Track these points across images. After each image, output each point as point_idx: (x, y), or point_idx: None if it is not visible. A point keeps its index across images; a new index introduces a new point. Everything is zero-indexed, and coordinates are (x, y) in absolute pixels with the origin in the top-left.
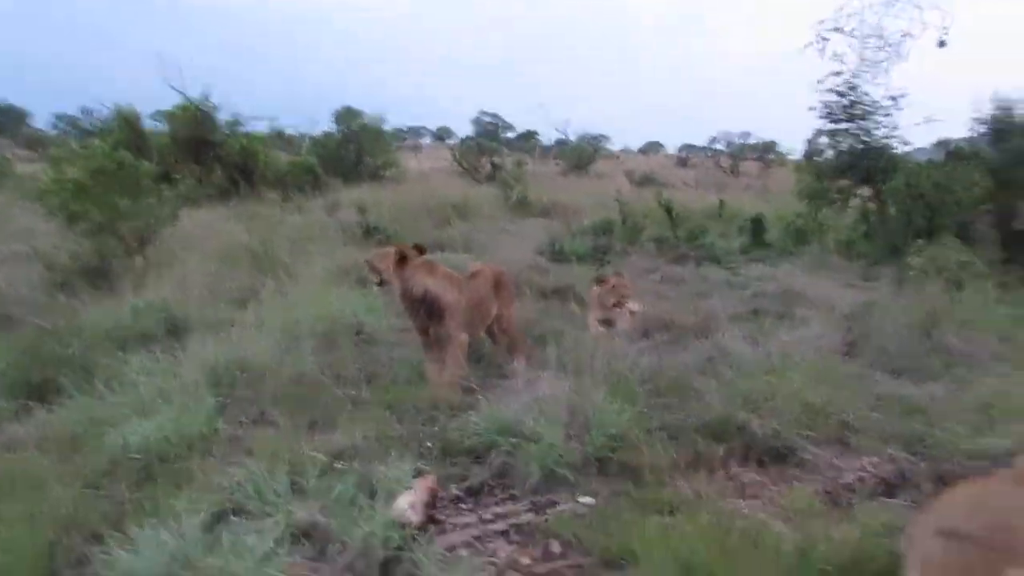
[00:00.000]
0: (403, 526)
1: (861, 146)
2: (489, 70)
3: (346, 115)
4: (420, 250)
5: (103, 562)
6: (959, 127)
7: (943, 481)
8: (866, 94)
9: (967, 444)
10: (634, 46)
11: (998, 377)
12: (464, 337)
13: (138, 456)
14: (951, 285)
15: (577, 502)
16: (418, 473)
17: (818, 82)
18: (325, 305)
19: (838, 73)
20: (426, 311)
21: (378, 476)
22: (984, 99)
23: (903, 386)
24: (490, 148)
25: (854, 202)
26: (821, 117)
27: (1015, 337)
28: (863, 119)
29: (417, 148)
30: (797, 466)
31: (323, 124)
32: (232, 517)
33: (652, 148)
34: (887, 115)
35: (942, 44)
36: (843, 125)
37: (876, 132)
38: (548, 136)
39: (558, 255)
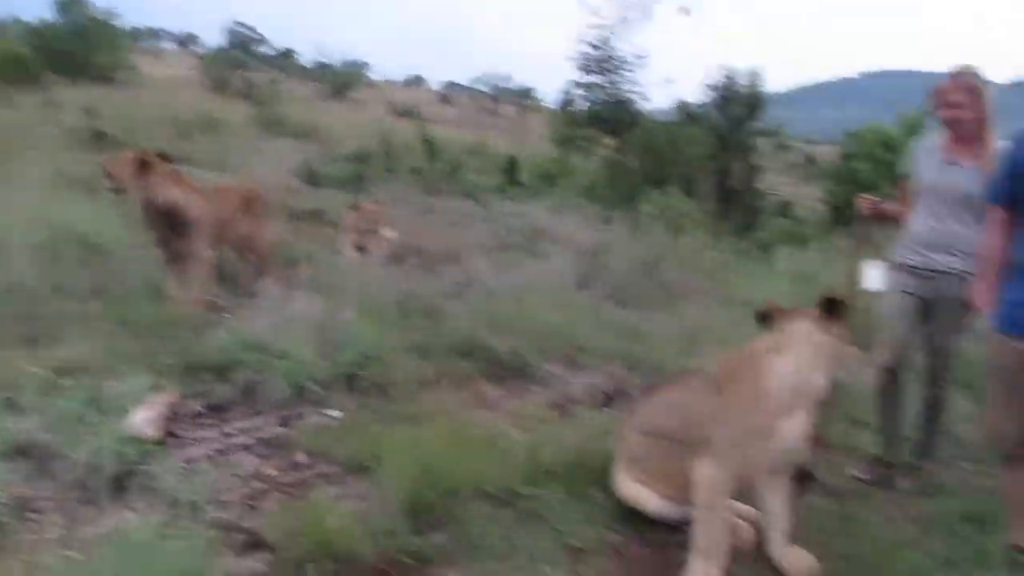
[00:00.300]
0: (139, 442)
1: (609, 99)
2: None
3: (71, 4)
4: (165, 159)
5: None
6: (695, 91)
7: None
8: (617, 50)
9: (674, 363)
10: None
11: (703, 309)
12: (210, 253)
13: None
14: (674, 230)
15: (324, 415)
16: (155, 388)
17: (578, 34)
18: (44, 212)
19: (596, 26)
20: (170, 224)
21: (110, 392)
22: (715, 69)
23: (627, 314)
24: (243, 62)
25: (600, 151)
26: (578, 68)
27: (720, 276)
28: (613, 73)
29: (157, 52)
30: (533, 381)
31: (40, 11)
32: None
33: (414, 82)
34: (632, 72)
35: (684, 11)
36: (595, 77)
37: (622, 87)
38: (306, 57)
39: (314, 179)
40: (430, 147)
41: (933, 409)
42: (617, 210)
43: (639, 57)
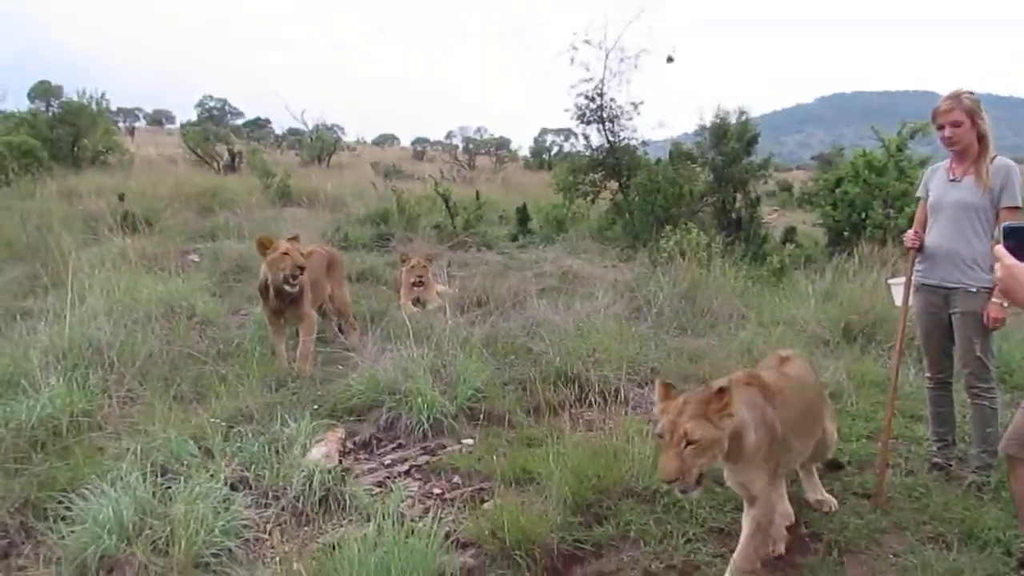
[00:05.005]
0: (325, 471)
1: (608, 145)
2: (209, 53)
3: (43, 90)
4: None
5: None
6: (687, 127)
7: None
8: (612, 100)
9: None
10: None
11: (745, 330)
12: (315, 315)
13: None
14: (698, 262)
15: (461, 444)
16: (325, 428)
17: (571, 87)
18: (144, 290)
19: (588, 80)
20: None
21: (283, 435)
22: (707, 108)
23: (684, 341)
24: (222, 135)
25: (604, 194)
26: (574, 118)
27: (750, 299)
28: (611, 121)
29: (131, 132)
30: (624, 404)
31: (14, 100)
32: (159, 478)
33: (386, 140)
34: (629, 119)
35: (670, 60)
36: (593, 127)
37: (621, 133)
38: (280, 125)
39: (344, 242)
40: (447, 202)
41: (977, 414)
42: (630, 249)
43: (634, 104)
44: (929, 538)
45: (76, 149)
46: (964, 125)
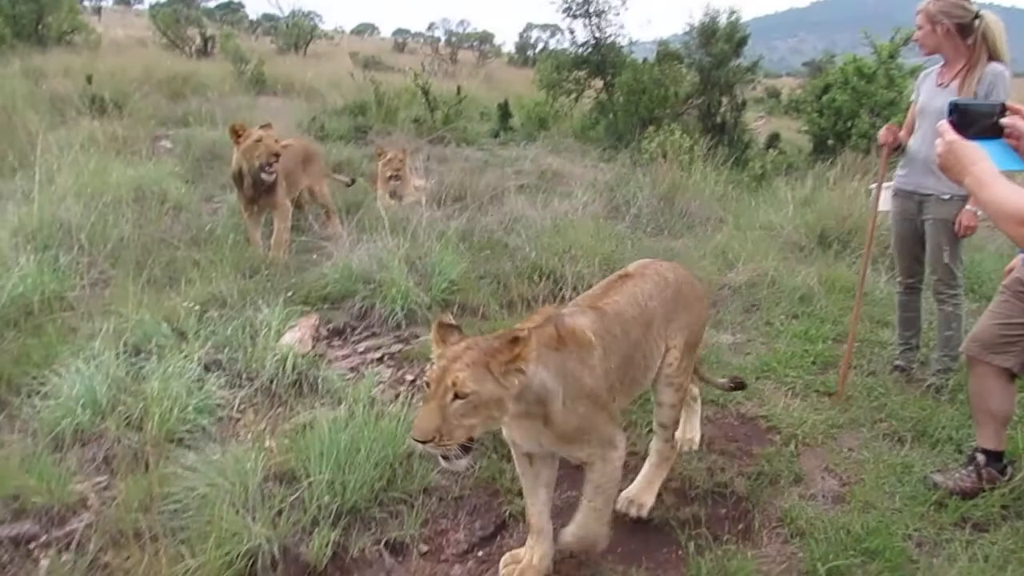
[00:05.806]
0: (298, 356)
1: (594, 41)
2: None
3: None
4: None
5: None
6: (675, 28)
7: None
8: None
9: (716, 279)
10: None
11: (723, 233)
12: (289, 204)
13: None
14: (679, 165)
15: None
16: (301, 313)
17: None
18: (113, 174)
19: None
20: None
21: (257, 320)
22: (696, 7)
23: (660, 241)
24: (193, 18)
25: (588, 93)
26: (559, 11)
27: (728, 203)
28: (597, 16)
29: (97, 11)
30: None
31: None
32: (132, 358)
33: (366, 30)
34: (617, 15)
35: None
36: (579, 20)
37: (608, 30)
38: (254, 10)
39: (320, 133)
40: (426, 96)
41: (942, 318)
42: (612, 150)
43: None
44: (884, 435)
45: (40, 27)
46: (924, 29)
